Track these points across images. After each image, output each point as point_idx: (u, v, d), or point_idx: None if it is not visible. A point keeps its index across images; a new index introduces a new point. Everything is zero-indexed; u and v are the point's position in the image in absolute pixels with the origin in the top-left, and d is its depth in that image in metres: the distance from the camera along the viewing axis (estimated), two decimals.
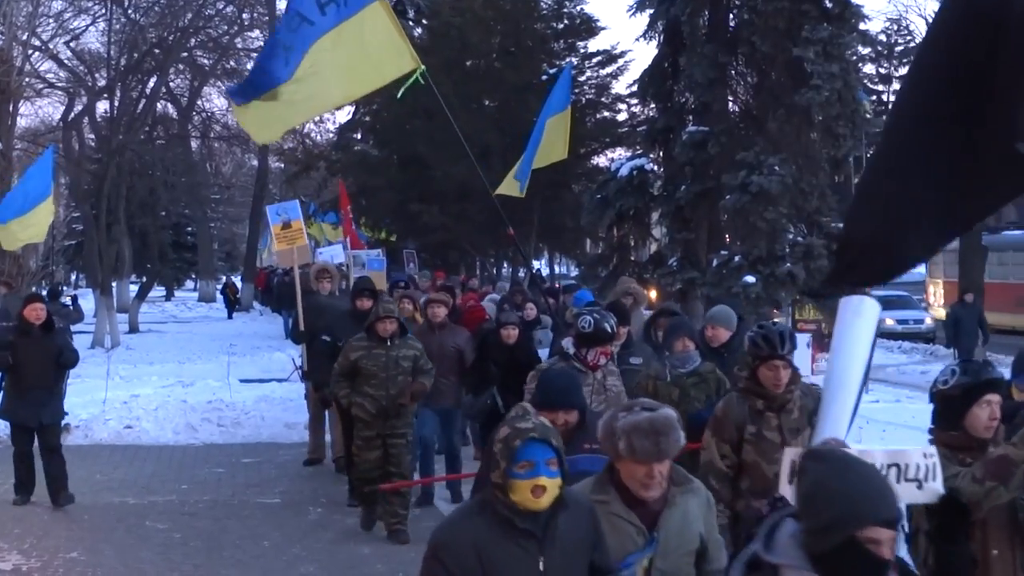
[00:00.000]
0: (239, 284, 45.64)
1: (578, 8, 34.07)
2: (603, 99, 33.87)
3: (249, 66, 40.77)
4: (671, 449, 4.09)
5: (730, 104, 19.83)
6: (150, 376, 19.75)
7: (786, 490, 3.94)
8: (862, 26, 19.58)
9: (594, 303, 10.93)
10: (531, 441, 3.73)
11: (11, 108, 23.64)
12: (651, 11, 20.43)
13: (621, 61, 33.60)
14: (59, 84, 34.23)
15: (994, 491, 4.39)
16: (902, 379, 20.87)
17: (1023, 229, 39.18)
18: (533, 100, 29.78)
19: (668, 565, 4.22)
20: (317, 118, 39.70)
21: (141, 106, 32.72)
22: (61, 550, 9.27)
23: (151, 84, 33.53)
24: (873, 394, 15.74)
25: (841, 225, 19.25)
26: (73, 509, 10.48)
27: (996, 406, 4.69)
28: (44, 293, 22.67)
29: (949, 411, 4.72)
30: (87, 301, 31.39)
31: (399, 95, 11.20)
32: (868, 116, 25.95)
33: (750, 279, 17.82)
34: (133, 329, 32.28)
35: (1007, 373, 5.87)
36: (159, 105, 38.11)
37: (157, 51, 32.31)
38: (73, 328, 20.04)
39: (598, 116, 33.77)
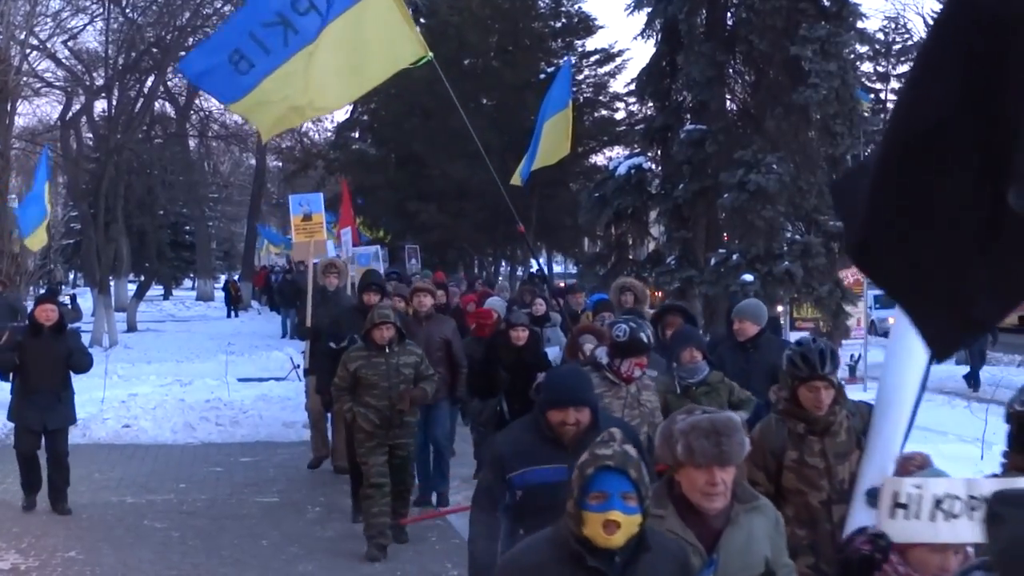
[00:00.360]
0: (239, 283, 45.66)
1: (576, 7, 34.17)
2: (601, 98, 33.92)
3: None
4: (734, 453, 3.77)
5: (728, 103, 19.83)
6: (148, 375, 19.75)
7: (889, 525, 3.73)
8: (860, 24, 19.58)
9: (600, 304, 10.62)
10: (606, 471, 3.41)
11: (9, 107, 23.64)
12: (649, 10, 20.43)
13: (619, 60, 33.69)
14: (57, 83, 34.21)
15: None
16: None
17: None
18: (531, 99, 29.81)
19: None
20: (315, 117, 39.79)
21: (139, 105, 32.72)
22: (59, 549, 9.27)
23: (149, 83, 33.54)
24: (870, 392, 15.75)
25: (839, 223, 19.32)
26: (71, 508, 10.48)
27: None
28: (43, 292, 22.69)
29: None
30: (85, 300, 31.39)
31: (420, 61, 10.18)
32: (866, 114, 26.02)
33: (748, 277, 17.82)
34: (131, 328, 32.27)
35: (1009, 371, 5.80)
36: (157, 104, 38.13)
37: (155, 50, 32.31)
38: (72, 327, 20.06)
39: (596, 115, 33.82)
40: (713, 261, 18.69)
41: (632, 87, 24.44)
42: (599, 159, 32.19)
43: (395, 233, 34.45)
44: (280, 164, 45.41)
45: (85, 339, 23.52)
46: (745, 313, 8.41)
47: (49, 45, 31.79)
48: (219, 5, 35.05)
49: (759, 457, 5.38)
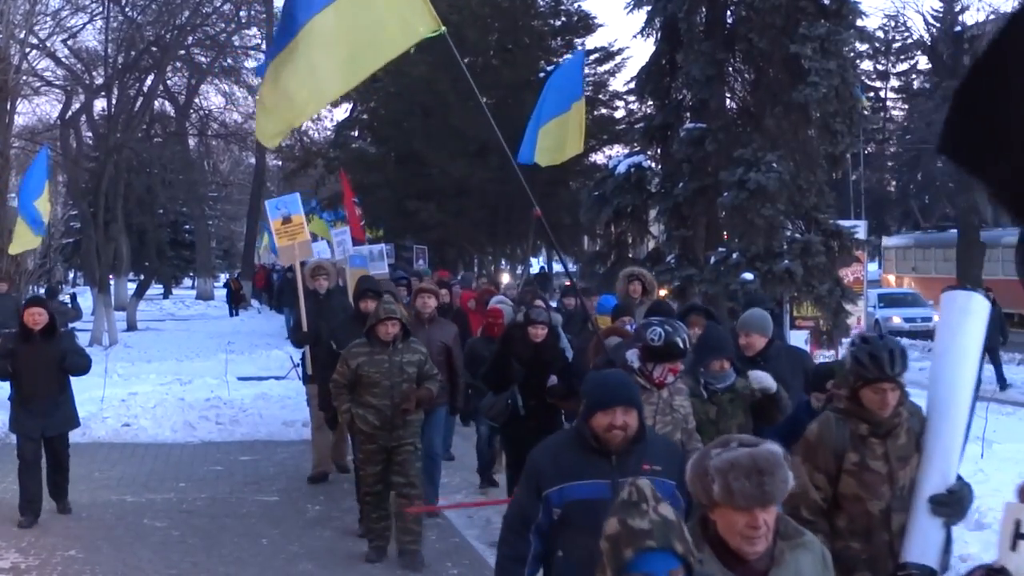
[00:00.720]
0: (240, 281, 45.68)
1: (575, 5, 34.12)
2: (600, 96, 33.89)
3: (248, 64, 40.91)
4: (778, 492, 3.37)
5: (728, 101, 19.79)
6: (148, 374, 19.76)
7: (1010, 559, 3.42)
8: (859, 23, 19.51)
9: (620, 307, 10.22)
10: (648, 552, 2.96)
11: (8, 106, 23.62)
12: (648, 8, 20.40)
13: (619, 58, 33.64)
14: (57, 82, 34.25)
15: None
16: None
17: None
18: (531, 97, 29.76)
19: None
20: (315, 115, 39.80)
21: (139, 104, 32.75)
22: (59, 548, 9.27)
23: (149, 82, 33.57)
24: None
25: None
26: (71, 507, 10.47)
27: None
28: (42, 291, 22.69)
29: None
30: (85, 299, 31.41)
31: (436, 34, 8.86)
32: (866, 113, 26.02)
33: (748, 276, 17.80)
34: (131, 327, 32.30)
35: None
36: (157, 103, 38.19)
37: (155, 49, 32.34)
38: (71, 326, 20.05)
39: (596, 113, 33.77)
40: (713, 259, 18.67)
41: (632, 85, 24.41)
42: (599, 157, 32.17)
43: (394, 232, 34.43)
44: (280, 163, 45.43)
45: (84, 338, 23.66)
46: (751, 326, 7.99)
47: (49, 44, 31.82)
48: (219, 4, 35.10)
49: (819, 459, 5.03)
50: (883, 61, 56.87)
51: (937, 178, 52.72)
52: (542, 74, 31.93)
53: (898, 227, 51.08)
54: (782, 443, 6.79)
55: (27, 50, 27.27)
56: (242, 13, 37.64)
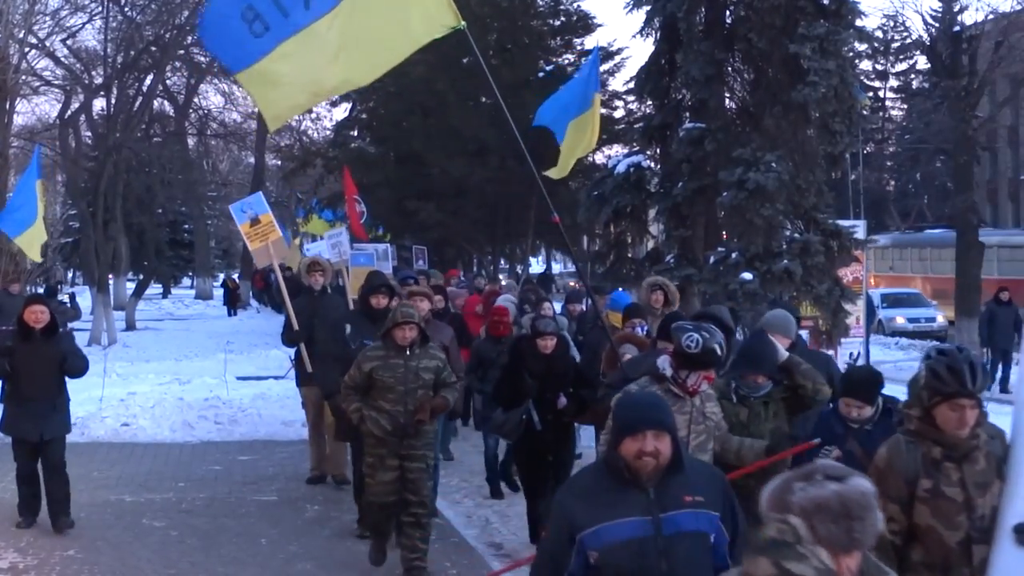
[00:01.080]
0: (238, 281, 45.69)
1: (575, 5, 34.17)
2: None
3: None
4: (868, 538, 3.03)
5: (727, 101, 19.79)
6: (147, 374, 19.76)
7: None
8: (859, 22, 19.51)
9: (632, 308, 9.73)
10: None
11: (8, 106, 23.63)
12: (647, 8, 20.40)
13: (618, 58, 33.67)
14: (56, 82, 34.24)
15: None
16: (899, 376, 20.81)
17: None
18: (530, 97, 29.79)
19: None
20: (314, 115, 39.81)
21: (138, 104, 32.73)
22: (58, 548, 9.27)
23: (148, 82, 33.54)
24: None
25: (838, 221, 19.28)
26: (70, 507, 10.42)
27: None
28: (41, 291, 22.69)
29: None
30: (84, 299, 31.37)
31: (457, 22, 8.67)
32: (865, 113, 26.00)
33: (747, 276, 17.80)
34: (130, 327, 32.31)
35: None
36: (156, 103, 38.16)
37: (154, 48, 32.32)
38: (70, 325, 20.05)
39: None
40: (712, 259, 18.67)
41: (631, 85, 24.42)
42: (598, 157, 32.17)
43: (394, 232, 34.45)
44: (279, 163, 45.42)
45: (83, 338, 23.66)
46: (774, 327, 7.49)
47: (48, 43, 31.81)
48: None
49: (892, 487, 4.58)
50: (882, 61, 56.90)
51: (936, 178, 52.79)
52: (541, 74, 31.99)
53: (897, 227, 51.09)
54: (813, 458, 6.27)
55: (26, 49, 27.28)
56: None
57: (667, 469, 4.11)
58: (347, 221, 26.90)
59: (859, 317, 20.36)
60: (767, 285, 17.71)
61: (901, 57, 57.32)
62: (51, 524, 9.73)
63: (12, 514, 10.06)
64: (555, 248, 42.70)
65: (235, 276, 49.16)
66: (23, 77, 27.03)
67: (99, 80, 32.73)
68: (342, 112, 38.48)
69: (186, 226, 55.03)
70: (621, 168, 20.22)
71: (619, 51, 33.74)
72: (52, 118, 36.98)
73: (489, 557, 9.25)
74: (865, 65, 49.24)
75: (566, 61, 32.90)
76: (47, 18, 29.60)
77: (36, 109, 40.10)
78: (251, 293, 46.22)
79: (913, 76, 57.21)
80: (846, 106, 18.18)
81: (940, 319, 30.85)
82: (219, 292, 46.41)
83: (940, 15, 33.16)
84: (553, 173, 12.44)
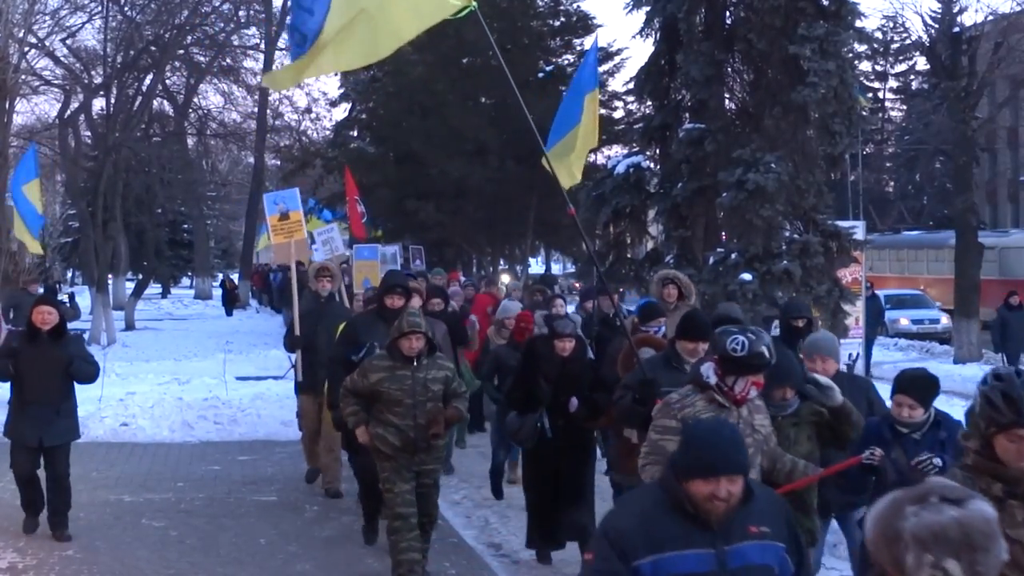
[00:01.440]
0: (236, 281, 45.67)
1: (574, 5, 34.15)
2: (599, 96, 33.88)
3: (246, 64, 40.94)
4: (993, 572, 2.66)
5: (727, 101, 19.78)
6: (146, 373, 19.77)
7: None
8: (858, 23, 19.50)
9: (649, 308, 9.14)
10: None
11: (7, 105, 23.62)
12: (647, 8, 20.40)
13: (617, 59, 33.65)
14: (55, 81, 34.26)
15: None
16: None
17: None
18: (529, 97, 29.73)
19: None
20: (313, 115, 39.84)
21: (137, 103, 32.76)
22: (57, 548, 9.26)
23: (147, 81, 33.58)
24: None
25: (837, 222, 19.29)
26: (68, 519, 10.23)
27: None
28: (40, 293, 22.66)
29: None
30: (83, 298, 31.37)
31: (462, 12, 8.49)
32: (864, 113, 25.98)
33: (746, 276, 17.80)
34: (129, 326, 32.32)
35: None
36: (155, 102, 38.20)
37: (153, 48, 32.34)
38: (70, 325, 20.03)
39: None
40: (711, 260, 18.67)
41: (631, 86, 24.42)
42: (597, 158, 32.19)
43: (393, 232, 34.44)
44: (278, 163, 45.44)
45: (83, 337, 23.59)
46: (824, 350, 7.05)
47: (47, 43, 31.84)
48: (218, 3, 35.10)
49: None
50: (882, 62, 56.93)
51: (935, 179, 52.81)
52: (541, 74, 31.98)
53: (895, 227, 51.12)
54: (854, 484, 6.02)
55: (26, 49, 27.29)
56: (241, 13, 37.67)
57: (737, 505, 3.84)
58: (347, 221, 26.89)
59: (858, 318, 20.37)
60: (766, 286, 17.71)
61: (901, 58, 57.36)
62: (50, 531, 9.53)
63: (10, 513, 10.05)
64: (554, 248, 42.66)
65: (233, 276, 49.12)
66: (23, 76, 27.04)
67: (99, 80, 32.74)
68: (341, 112, 38.53)
69: (185, 226, 55.04)
70: (621, 168, 20.21)
71: (619, 51, 33.73)
72: (52, 118, 37.02)
73: (488, 558, 9.25)
74: (865, 66, 49.25)
75: (566, 62, 32.89)
76: (47, 17, 29.64)
77: (36, 109, 40.21)
78: (250, 293, 46.21)
79: (913, 77, 57.26)
80: (846, 107, 18.18)
81: (944, 321, 30.84)
82: (218, 292, 46.40)
83: (940, 16, 33.17)
84: (564, 181, 11.89)
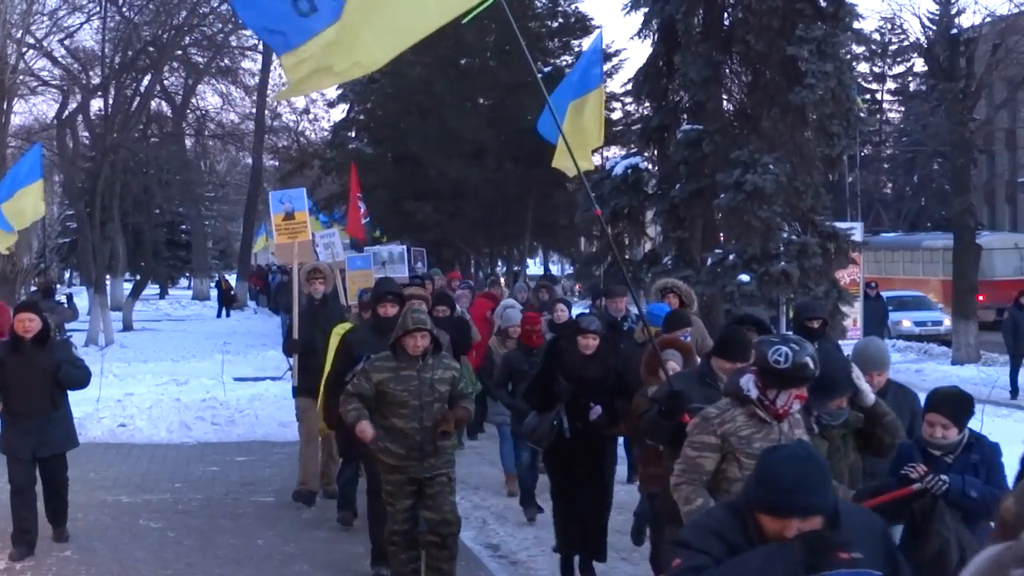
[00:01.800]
0: (234, 282, 45.64)
1: (573, 7, 34.17)
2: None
3: (244, 64, 40.92)
4: None
5: (724, 103, 19.82)
6: (144, 374, 19.78)
7: None
8: (856, 25, 19.55)
9: (676, 316, 8.76)
10: None
11: (5, 106, 23.62)
12: (645, 10, 20.42)
13: (616, 60, 33.65)
14: (53, 82, 34.28)
15: None
16: (896, 377, 20.78)
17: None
18: (527, 99, 29.80)
19: None
20: (311, 116, 39.86)
21: (135, 104, 32.75)
22: (55, 548, 9.26)
23: (145, 82, 33.57)
24: None
25: (835, 224, 19.31)
26: (69, 533, 9.83)
27: None
28: (34, 290, 22.64)
29: None
30: (81, 299, 31.36)
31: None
32: (862, 115, 26.01)
33: (744, 278, 17.82)
34: (127, 327, 32.30)
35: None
36: (153, 103, 38.18)
37: (151, 49, 32.34)
38: (68, 326, 20.04)
39: None
40: (709, 261, 18.68)
41: (629, 87, 24.45)
42: (596, 159, 32.23)
43: (391, 233, 34.44)
44: (276, 163, 45.45)
45: (81, 338, 23.63)
46: (872, 360, 6.70)
47: (45, 44, 31.84)
48: (216, 4, 35.08)
49: None
50: (879, 63, 56.93)
51: (933, 180, 52.83)
52: (539, 75, 31.99)
53: (893, 229, 51.16)
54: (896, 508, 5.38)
55: (24, 50, 27.27)
56: None
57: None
58: (344, 222, 26.79)
59: (856, 319, 20.39)
60: (764, 287, 17.73)
61: (898, 59, 57.35)
62: (51, 531, 9.32)
63: (6, 513, 10.02)
64: (552, 249, 42.67)
65: (228, 277, 49.10)
66: (20, 77, 27.02)
67: (97, 80, 32.76)
68: (340, 113, 38.57)
69: (183, 227, 55.04)
70: (619, 170, 20.24)
71: (617, 53, 33.74)
72: (50, 118, 37.01)
73: (486, 558, 9.25)
74: (863, 67, 49.26)
75: (564, 63, 32.90)
76: (45, 18, 29.62)
77: (34, 109, 40.07)
78: (248, 294, 46.19)
79: (910, 78, 57.27)
80: (843, 108, 18.21)
81: (947, 322, 30.86)
82: (215, 293, 46.38)
83: (937, 18, 33.21)
84: (569, 168, 11.33)
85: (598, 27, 34.34)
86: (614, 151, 29.80)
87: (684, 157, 19.03)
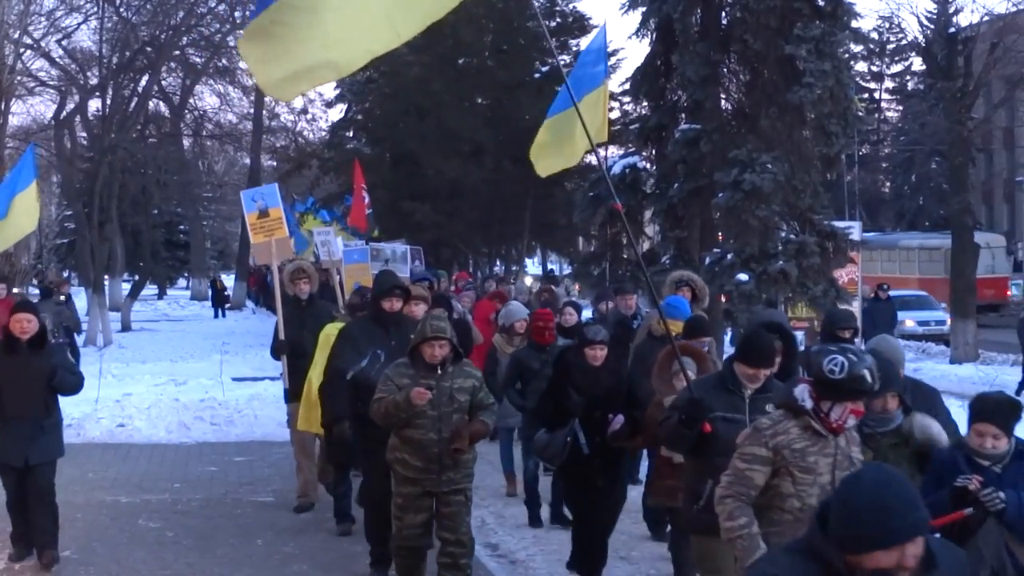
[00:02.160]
0: (231, 282, 45.63)
1: (570, 6, 34.21)
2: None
3: (242, 64, 40.87)
4: None
5: (722, 102, 19.82)
6: (143, 374, 19.76)
7: None
8: (854, 24, 19.56)
9: (696, 322, 8.27)
10: None
11: (3, 106, 23.62)
12: (643, 9, 20.43)
13: (613, 59, 33.62)
14: (51, 82, 34.25)
15: None
16: None
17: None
18: (525, 98, 29.83)
19: None
20: (309, 117, 39.82)
21: (133, 104, 32.75)
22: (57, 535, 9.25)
23: (143, 82, 33.56)
24: None
25: (833, 223, 19.31)
26: (65, 508, 10.06)
27: None
28: (34, 290, 22.68)
29: None
30: (80, 300, 31.36)
31: None
32: (860, 114, 26.02)
33: (743, 277, 17.83)
34: (125, 327, 32.28)
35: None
36: (151, 103, 38.17)
37: (149, 49, 32.33)
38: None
39: None
40: (708, 260, 18.69)
41: (627, 86, 24.45)
42: (593, 158, 32.26)
43: (389, 233, 34.44)
44: (275, 163, 45.45)
45: (79, 338, 23.60)
46: (893, 358, 6.42)
47: (43, 44, 31.85)
48: (213, 4, 35.09)
49: None
50: (877, 62, 57.00)
51: (931, 179, 52.87)
52: (537, 75, 32.02)
53: (893, 228, 51.18)
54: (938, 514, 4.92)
55: (21, 50, 27.27)
56: (237, 13, 37.59)
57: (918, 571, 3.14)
58: (343, 222, 26.75)
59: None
60: (763, 286, 17.74)
61: (896, 59, 57.43)
62: (36, 555, 8.77)
63: (4, 514, 10.03)
64: (550, 249, 42.67)
65: (226, 277, 49.09)
66: (18, 78, 27.03)
67: (94, 81, 32.74)
68: (338, 113, 38.55)
69: (182, 227, 55.04)
70: (617, 169, 20.25)
71: (615, 52, 33.73)
72: (47, 119, 36.99)
73: (485, 558, 9.24)
74: (861, 67, 49.31)
75: (562, 62, 32.93)
76: (42, 19, 29.65)
77: (31, 110, 40.20)
78: (246, 293, 46.20)
79: (908, 78, 57.34)
80: (842, 107, 18.21)
81: (951, 322, 30.88)
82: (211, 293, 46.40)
83: (935, 17, 33.23)
84: (550, 165, 11.01)
85: (595, 27, 34.40)
86: (612, 150, 29.82)
87: (682, 156, 19.04)
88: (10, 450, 8.55)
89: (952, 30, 27.28)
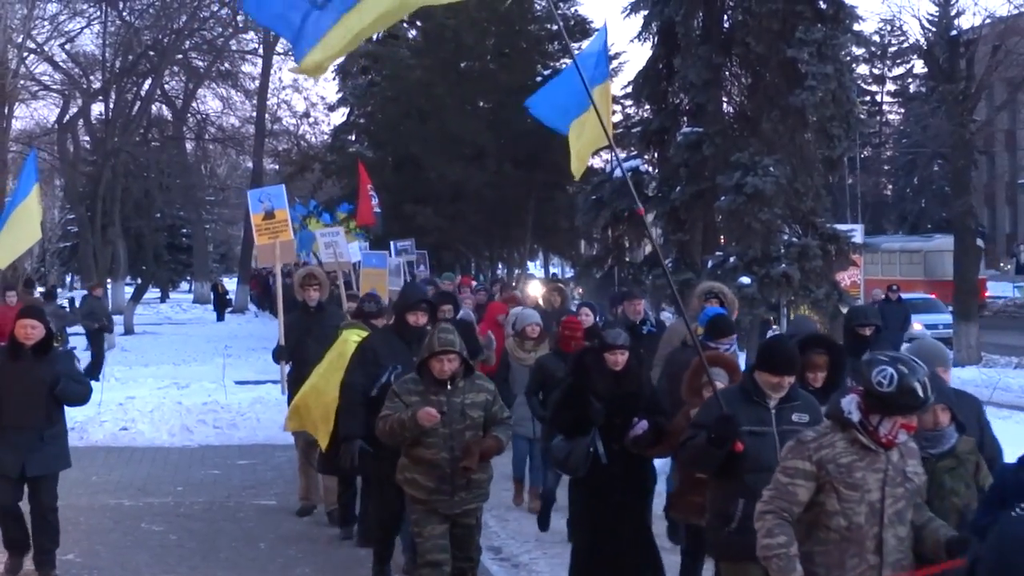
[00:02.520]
0: (234, 285, 45.65)
1: (572, 9, 34.22)
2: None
3: (244, 68, 40.96)
4: None
5: (724, 105, 19.86)
6: (145, 378, 19.78)
7: None
8: (856, 27, 19.60)
9: (719, 321, 7.89)
10: None
11: (6, 110, 23.65)
12: (645, 12, 20.46)
13: (616, 63, 33.65)
14: (54, 86, 34.32)
15: None
16: None
17: None
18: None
19: None
20: (312, 120, 39.87)
21: (136, 108, 32.83)
22: (56, 552, 9.26)
23: (146, 86, 33.64)
24: None
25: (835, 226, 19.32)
26: (68, 511, 9.99)
27: None
28: (36, 292, 22.67)
29: None
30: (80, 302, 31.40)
31: None
32: (862, 117, 26.03)
33: (745, 280, 17.84)
34: (128, 331, 32.29)
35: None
36: (154, 107, 38.24)
37: (152, 53, 32.41)
38: (69, 329, 20.05)
39: None
40: (710, 264, 18.71)
41: (629, 90, 24.48)
42: (596, 162, 32.23)
43: (391, 236, 34.46)
44: (277, 167, 45.48)
45: (80, 340, 23.61)
46: (938, 359, 6.02)
47: (46, 48, 31.90)
48: (216, 8, 35.15)
49: None
50: (879, 65, 56.98)
51: (934, 182, 52.85)
52: (539, 78, 32.04)
53: (895, 231, 51.15)
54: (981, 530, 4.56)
55: (25, 54, 27.33)
56: (239, 17, 37.67)
57: None
58: (347, 223, 26.72)
59: None
60: (765, 289, 17.75)
61: (898, 61, 57.43)
62: (35, 567, 8.49)
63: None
64: (552, 252, 42.69)
65: (228, 280, 49.10)
66: (21, 82, 27.08)
67: (97, 85, 32.83)
68: (340, 116, 38.60)
69: (184, 230, 55.05)
70: (619, 172, 20.26)
71: (617, 55, 33.77)
72: (51, 123, 37.06)
73: (488, 561, 9.24)
74: (863, 69, 49.29)
75: (563, 65, 32.96)
76: (45, 23, 29.71)
77: (35, 114, 40.10)
78: (249, 297, 46.21)
79: (910, 80, 57.33)
80: (843, 110, 18.24)
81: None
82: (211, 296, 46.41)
83: (937, 19, 33.23)
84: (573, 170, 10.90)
85: (597, 30, 34.45)
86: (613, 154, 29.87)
87: (684, 160, 19.07)
88: (7, 460, 8.17)
89: (954, 33, 27.29)
